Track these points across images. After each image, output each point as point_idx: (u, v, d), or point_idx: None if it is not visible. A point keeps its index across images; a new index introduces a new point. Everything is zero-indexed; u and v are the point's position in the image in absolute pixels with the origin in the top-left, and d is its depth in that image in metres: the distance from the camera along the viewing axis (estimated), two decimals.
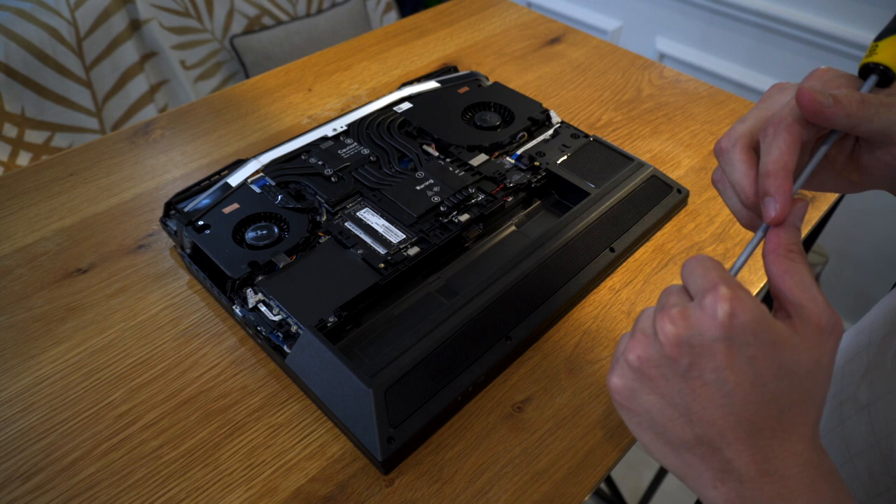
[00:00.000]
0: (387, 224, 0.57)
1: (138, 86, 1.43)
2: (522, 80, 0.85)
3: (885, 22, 0.45)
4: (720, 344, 0.28)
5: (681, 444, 0.30)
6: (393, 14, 1.86)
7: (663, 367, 0.30)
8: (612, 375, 0.32)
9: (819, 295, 0.29)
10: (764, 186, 0.31)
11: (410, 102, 0.73)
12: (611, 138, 0.74)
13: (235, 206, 0.58)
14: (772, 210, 0.31)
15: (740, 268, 0.33)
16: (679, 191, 0.64)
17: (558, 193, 0.64)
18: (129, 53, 1.39)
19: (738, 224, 0.63)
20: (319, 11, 1.70)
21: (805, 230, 0.63)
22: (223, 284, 0.52)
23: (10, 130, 1.22)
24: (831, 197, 0.67)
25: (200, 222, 0.57)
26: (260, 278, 0.52)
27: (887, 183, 0.36)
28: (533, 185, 0.62)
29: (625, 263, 0.59)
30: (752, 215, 0.34)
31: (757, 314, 0.27)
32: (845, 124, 0.31)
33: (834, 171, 0.37)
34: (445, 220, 0.57)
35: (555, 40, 0.94)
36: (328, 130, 0.68)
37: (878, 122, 0.31)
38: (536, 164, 0.63)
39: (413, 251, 0.54)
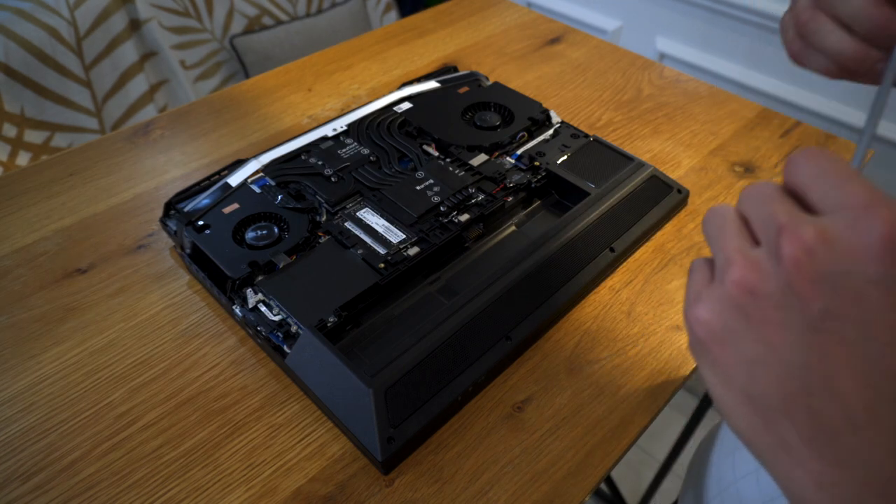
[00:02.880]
0: (387, 224, 0.57)
1: (138, 86, 1.43)
2: (522, 80, 0.85)
3: None
4: (878, 287, 0.20)
5: (784, 416, 0.22)
6: (393, 14, 1.86)
7: (785, 308, 0.21)
8: (700, 306, 0.24)
9: None
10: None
11: (410, 102, 0.73)
12: (611, 138, 0.74)
13: (235, 206, 0.58)
14: None
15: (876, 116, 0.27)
16: (679, 191, 0.64)
17: (558, 193, 0.64)
18: (128, 53, 1.39)
19: None
20: (319, 11, 1.70)
21: None
22: (223, 284, 0.52)
23: (10, 130, 1.22)
24: None
25: (200, 222, 0.57)
26: (260, 278, 0.52)
27: None
28: (533, 185, 0.62)
29: (625, 263, 0.59)
30: (866, 47, 0.30)
31: None
32: None
33: None
34: (445, 220, 0.57)
35: (555, 40, 0.94)
36: (328, 130, 0.68)
37: None
38: (536, 164, 0.63)
39: (413, 251, 0.54)
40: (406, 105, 0.72)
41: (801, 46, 0.33)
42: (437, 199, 0.59)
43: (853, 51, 0.30)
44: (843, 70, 0.32)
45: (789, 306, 0.21)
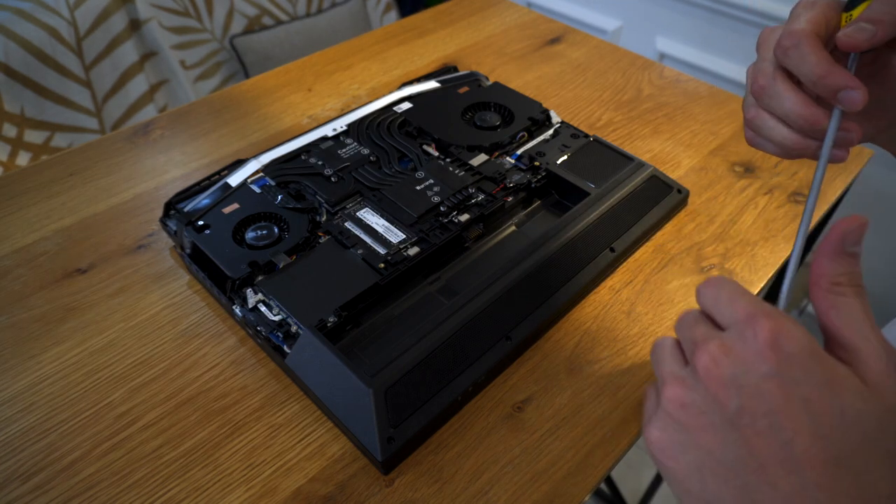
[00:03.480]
0: (387, 224, 0.57)
1: (138, 86, 1.43)
2: (522, 80, 0.85)
3: None
4: (771, 381, 0.24)
5: None
6: (393, 14, 1.86)
7: (709, 413, 0.25)
8: (652, 427, 0.27)
9: (873, 333, 0.25)
10: (831, 84, 0.31)
11: (410, 102, 0.73)
12: (611, 138, 0.74)
13: (235, 206, 0.58)
14: (856, 96, 0.31)
15: (819, 184, 0.31)
16: (679, 191, 0.64)
17: (558, 193, 0.64)
18: (128, 53, 1.39)
19: (737, 224, 0.63)
20: (319, 11, 1.70)
21: None
22: (223, 284, 0.52)
23: (10, 130, 1.22)
24: (831, 197, 0.67)
25: (200, 222, 0.57)
26: (260, 278, 0.52)
27: None
28: (533, 185, 0.62)
29: (625, 263, 0.59)
30: (802, 138, 0.35)
31: (805, 343, 0.24)
32: (895, 33, 0.31)
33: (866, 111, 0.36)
34: (445, 220, 0.57)
35: (555, 40, 0.94)
36: (328, 130, 0.68)
37: None
38: (536, 164, 0.63)
39: (413, 251, 0.54)
40: (406, 105, 0.72)
41: (753, 136, 0.38)
42: (437, 199, 0.59)
43: (793, 141, 0.35)
44: (790, 153, 0.36)
45: (711, 410, 0.25)
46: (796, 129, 0.35)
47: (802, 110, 0.33)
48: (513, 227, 0.60)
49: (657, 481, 1.35)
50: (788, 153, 0.36)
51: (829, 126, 0.33)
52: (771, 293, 0.95)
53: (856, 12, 0.33)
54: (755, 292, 0.57)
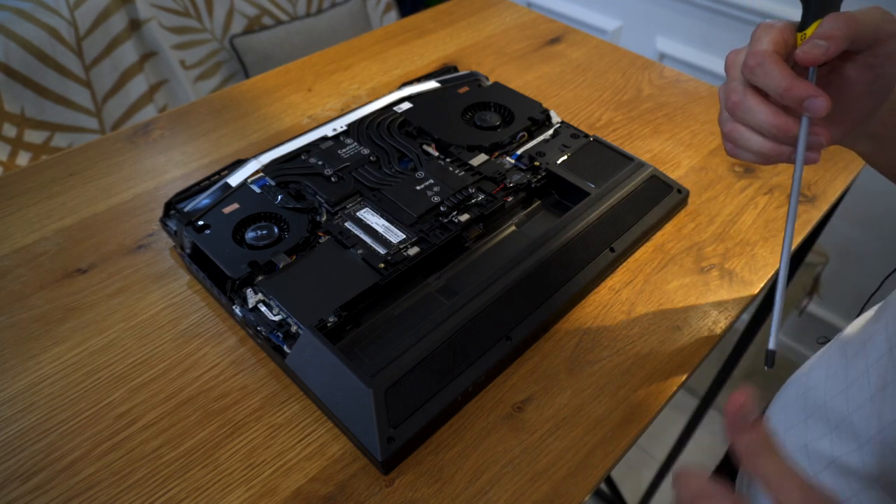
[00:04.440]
0: (387, 224, 0.57)
1: (138, 86, 1.42)
2: (522, 80, 0.85)
3: None
4: None
5: None
6: (393, 14, 1.86)
7: None
8: None
9: (794, 481, 0.28)
10: (796, 94, 0.34)
11: (410, 102, 0.73)
12: (611, 138, 0.74)
13: (235, 206, 0.58)
14: (819, 104, 0.34)
15: (798, 183, 0.36)
16: (679, 191, 0.64)
17: (558, 193, 0.64)
18: (128, 53, 1.39)
19: (737, 224, 0.63)
20: (319, 11, 1.70)
21: (805, 230, 0.63)
22: (223, 284, 0.52)
23: (10, 130, 1.22)
24: (832, 197, 0.67)
25: (200, 222, 0.57)
26: (260, 278, 0.52)
27: (867, 102, 0.38)
28: (533, 185, 0.62)
29: (625, 263, 0.59)
30: (776, 145, 0.37)
31: None
32: (845, 46, 0.34)
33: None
34: (445, 220, 0.57)
35: (555, 40, 0.94)
36: (328, 130, 0.68)
37: (866, 26, 0.35)
38: (536, 164, 0.63)
39: (413, 251, 0.54)
40: (406, 105, 0.72)
41: (732, 147, 0.41)
42: (437, 199, 0.59)
43: (769, 149, 0.38)
44: (768, 160, 0.39)
45: None
46: (770, 138, 0.38)
47: (774, 120, 0.36)
48: (513, 227, 0.60)
49: (657, 481, 1.35)
50: (766, 160, 0.39)
51: (799, 132, 0.36)
52: (768, 296, 0.95)
53: (809, 31, 0.36)
54: (755, 292, 0.57)
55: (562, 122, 0.70)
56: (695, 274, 0.59)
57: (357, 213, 0.58)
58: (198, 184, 0.62)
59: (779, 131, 0.36)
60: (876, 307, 0.46)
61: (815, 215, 0.65)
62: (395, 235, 0.56)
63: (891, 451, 0.38)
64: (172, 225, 0.58)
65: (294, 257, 0.54)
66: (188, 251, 0.56)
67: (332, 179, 0.62)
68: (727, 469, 0.61)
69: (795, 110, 0.36)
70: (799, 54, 0.35)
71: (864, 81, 0.37)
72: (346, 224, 0.57)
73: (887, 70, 0.37)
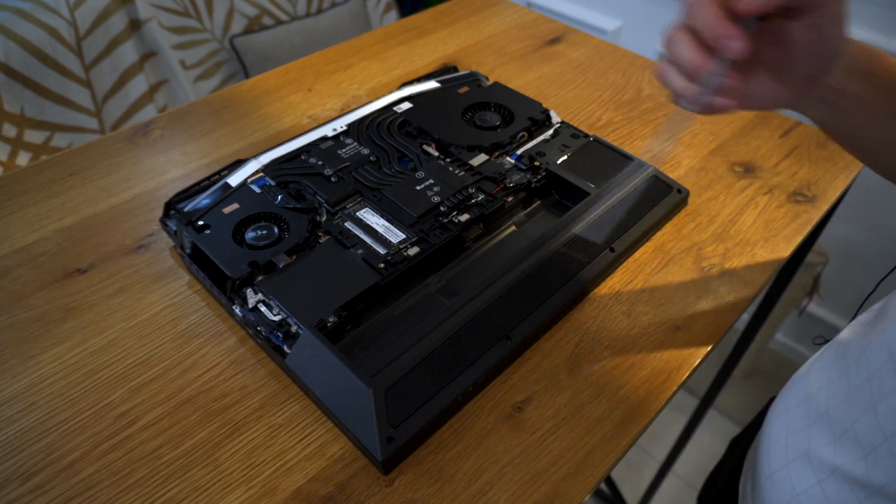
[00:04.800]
0: (387, 224, 0.57)
1: (138, 86, 1.42)
2: (522, 80, 0.85)
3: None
4: None
5: None
6: (393, 14, 1.86)
7: None
8: None
9: None
10: (717, 32, 0.36)
11: (410, 102, 0.73)
12: (611, 138, 0.74)
13: (235, 206, 0.58)
14: (735, 45, 0.35)
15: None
16: (679, 191, 0.64)
17: (558, 193, 0.64)
18: (128, 53, 1.39)
19: (737, 224, 0.63)
20: (319, 11, 1.70)
21: (805, 230, 0.63)
22: (223, 284, 0.52)
23: (10, 130, 1.22)
24: (832, 196, 0.67)
25: (200, 222, 0.57)
26: (260, 278, 0.52)
27: (813, 63, 0.39)
28: (533, 185, 0.62)
29: (625, 263, 0.59)
30: (688, 83, 0.39)
31: None
32: (784, 1, 0.35)
33: (766, 73, 0.40)
34: (445, 220, 0.57)
35: (555, 40, 0.94)
36: (328, 130, 0.68)
37: None
38: (536, 164, 0.63)
39: (413, 251, 0.54)
40: (406, 105, 0.72)
41: (662, 82, 0.41)
42: (437, 199, 0.59)
43: (682, 87, 0.38)
44: (683, 100, 0.39)
45: None
46: (685, 75, 0.39)
47: (690, 54, 0.37)
48: (513, 227, 0.60)
49: (657, 481, 1.35)
50: (680, 99, 0.40)
51: (710, 68, 0.37)
52: (771, 294, 0.95)
53: None
54: (755, 292, 0.57)
55: (562, 122, 0.70)
56: (695, 274, 0.59)
57: (357, 213, 0.58)
58: (198, 184, 0.62)
59: (692, 66, 0.37)
60: (875, 308, 0.46)
61: (815, 215, 0.65)
62: (395, 235, 0.56)
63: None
64: (172, 225, 0.58)
65: (294, 257, 0.54)
66: (188, 251, 0.56)
67: (332, 179, 0.62)
68: (727, 469, 0.61)
69: (716, 50, 0.37)
70: (738, 5, 0.36)
71: (807, 41, 0.38)
72: (346, 224, 0.57)
73: (832, 31, 0.37)
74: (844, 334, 0.47)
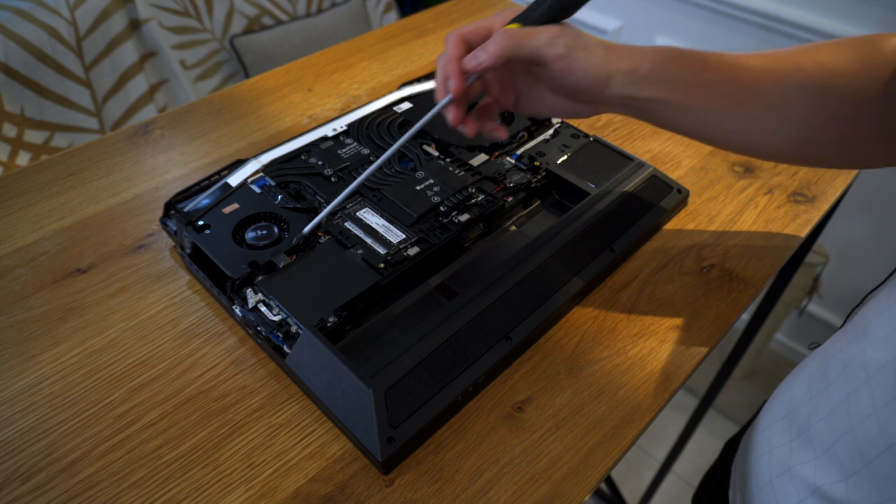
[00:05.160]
0: (387, 224, 0.57)
1: (138, 86, 1.43)
2: None
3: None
4: None
5: None
6: (393, 14, 1.86)
7: None
8: None
9: None
10: (439, 92, 0.47)
11: (410, 102, 0.73)
12: (611, 138, 0.74)
13: (235, 206, 0.58)
14: (445, 100, 0.46)
15: (423, 123, 0.48)
16: (679, 191, 0.64)
17: (558, 193, 0.64)
18: (128, 53, 1.39)
19: (737, 224, 0.63)
20: (319, 11, 1.70)
21: (805, 230, 0.63)
22: (223, 284, 0.52)
23: (10, 130, 1.22)
24: (832, 197, 0.67)
25: (200, 222, 0.57)
26: (260, 278, 0.52)
27: (575, 92, 0.47)
28: (533, 185, 0.62)
29: (625, 263, 0.59)
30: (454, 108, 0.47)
31: None
32: (500, 63, 0.44)
33: (533, 97, 0.50)
34: (445, 220, 0.57)
35: None
36: (328, 130, 0.68)
37: (525, 49, 0.44)
38: (536, 164, 0.63)
39: (413, 251, 0.54)
40: (406, 105, 0.72)
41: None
42: (437, 199, 0.59)
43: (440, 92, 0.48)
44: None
45: None
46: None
47: (440, 90, 0.47)
48: (513, 227, 0.60)
49: (657, 481, 1.35)
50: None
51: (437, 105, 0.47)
52: (771, 294, 0.95)
53: (511, 26, 0.45)
54: (755, 292, 0.57)
55: (562, 122, 0.70)
56: (695, 274, 0.59)
57: (357, 213, 0.58)
58: (198, 184, 0.62)
59: (437, 99, 0.47)
60: (857, 317, 0.44)
61: (815, 215, 0.65)
62: (395, 235, 0.56)
63: (876, 488, 0.37)
64: (172, 225, 0.58)
65: (294, 257, 0.54)
66: (188, 251, 0.56)
67: (332, 179, 0.62)
68: (720, 471, 0.60)
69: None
70: (463, 61, 0.45)
71: (555, 81, 0.46)
72: (346, 224, 0.57)
73: (576, 71, 0.45)
74: (829, 345, 0.46)
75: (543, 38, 0.44)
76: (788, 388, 0.48)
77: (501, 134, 0.51)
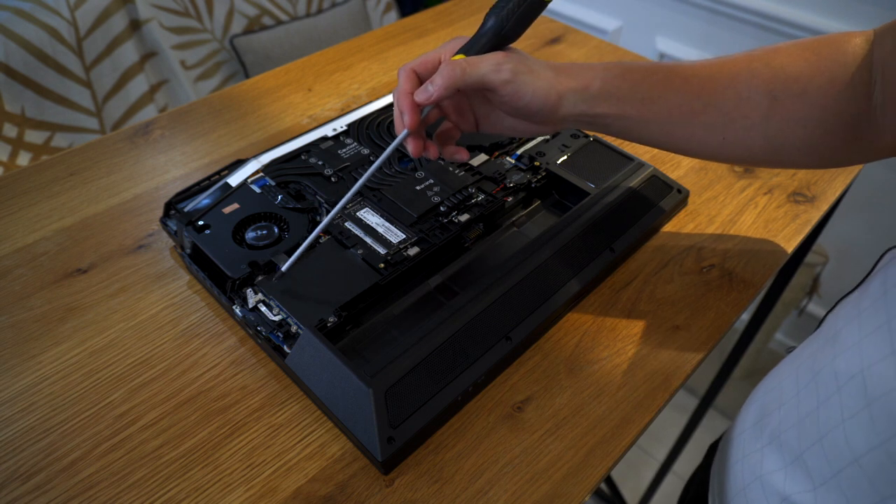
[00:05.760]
0: (387, 224, 0.57)
1: (138, 86, 1.43)
2: None
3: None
4: None
5: None
6: (393, 14, 1.86)
7: None
8: None
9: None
10: (397, 126, 0.49)
11: None
12: (611, 138, 0.74)
13: (235, 206, 0.58)
14: (404, 133, 0.48)
15: (385, 156, 0.49)
16: (679, 191, 0.64)
17: (558, 193, 0.64)
18: (129, 53, 1.39)
19: (737, 224, 0.63)
20: (319, 11, 1.70)
21: (805, 230, 0.63)
22: (223, 284, 0.52)
23: (10, 130, 1.22)
24: (832, 197, 0.67)
25: (200, 222, 0.57)
26: (260, 278, 0.52)
27: (526, 113, 0.48)
28: (533, 185, 0.62)
29: (625, 263, 0.59)
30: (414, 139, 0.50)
31: None
32: (449, 94, 0.46)
33: (492, 120, 0.52)
34: (445, 220, 0.57)
35: (555, 40, 0.94)
36: (328, 130, 0.68)
37: (472, 77, 0.45)
38: (536, 164, 0.63)
39: (413, 251, 0.54)
40: None
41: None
42: (437, 199, 0.59)
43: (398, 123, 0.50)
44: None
45: None
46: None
47: (397, 123, 0.49)
48: (513, 228, 0.60)
49: (657, 481, 1.35)
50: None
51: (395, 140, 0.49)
52: (771, 294, 0.95)
53: (456, 56, 0.47)
54: (755, 292, 0.57)
55: None
56: (695, 274, 0.59)
57: (357, 213, 0.58)
58: (198, 184, 0.62)
59: (398, 131, 0.49)
60: (830, 321, 0.43)
61: (815, 215, 0.65)
62: (395, 235, 0.56)
63: (844, 499, 0.36)
64: (172, 225, 0.58)
65: None
66: (188, 251, 0.56)
67: (332, 179, 0.62)
68: (700, 476, 0.59)
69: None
70: (415, 95, 0.47)
71: (489, 108, 0.50)
72: (346, 224, 0.57)
73: (523, 95, 0.45)
74: (801, 350, 0.45)
75: (488, 65, 0.45)
76: (762, 393, 0.47)
77: (462, 156, 0.52)
